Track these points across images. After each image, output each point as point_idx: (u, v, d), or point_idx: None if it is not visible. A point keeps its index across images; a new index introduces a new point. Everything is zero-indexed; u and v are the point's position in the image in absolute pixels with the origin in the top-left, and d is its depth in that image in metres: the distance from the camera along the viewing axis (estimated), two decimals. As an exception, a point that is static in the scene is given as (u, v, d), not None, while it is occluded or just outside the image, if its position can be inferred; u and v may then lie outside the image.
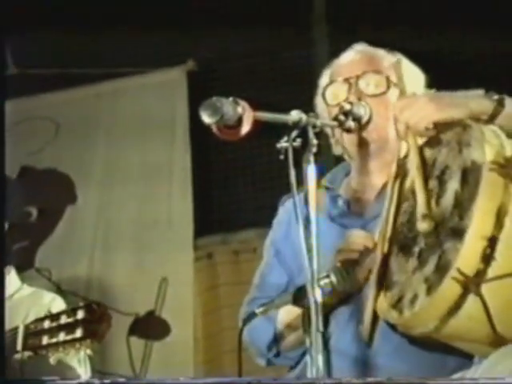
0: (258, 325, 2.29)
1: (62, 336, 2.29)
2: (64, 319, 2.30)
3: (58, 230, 5.06)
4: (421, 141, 2.10)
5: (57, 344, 2.29)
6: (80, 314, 2.27)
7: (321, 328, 1.88)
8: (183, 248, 4.87)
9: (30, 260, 4.96)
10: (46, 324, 2.33)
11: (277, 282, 2.35)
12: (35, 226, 5.07)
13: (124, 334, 4.80)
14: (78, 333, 2.26)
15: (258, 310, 2.12)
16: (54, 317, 2.32)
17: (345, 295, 2.14)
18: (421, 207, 1.98)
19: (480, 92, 2.09)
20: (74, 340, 2.27)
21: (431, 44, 4.57)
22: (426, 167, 2.07)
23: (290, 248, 2.32)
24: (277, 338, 2.32)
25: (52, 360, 2.35)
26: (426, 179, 2.04)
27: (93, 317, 2.26)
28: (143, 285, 4.84)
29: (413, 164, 2.07)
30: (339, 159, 2.47)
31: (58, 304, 2.86)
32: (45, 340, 2.31)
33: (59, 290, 4.58)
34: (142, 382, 3.31)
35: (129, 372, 4.73)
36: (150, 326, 4.81)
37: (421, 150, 2.09)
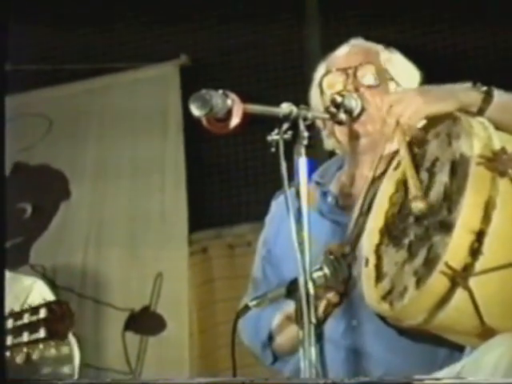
0: (255, 326, 2.31)
1: (25, 336, 2.24)
2: (27, 318, 2.25)
3: (52, 226, 5.06)
4: (408, 137, 2.10)
5: (20, 344, 2.26)
6: (42, 313, 2.22)
7: (313, 320, 1.88)
8: (178, 243, 4.87)
9: (24, 256, 4.96)
10: (10, 323, 2.29)
11: (267, 287, 2.32)
12: (29, 223, 5.07)
13: (119, 330, 4.81)
14: (42, 333, 2.22)
15: (251, 303, 2.12)
16: (17, 315, 2.27)
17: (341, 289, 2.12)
18: (413, 190, 1.98)
19: (467, 84, 2.09)
20: (38, 340, 2.23)
21: (424, 37, 4.57)
22: (415, 157, 2.07)
23: (280, 246, 2.32)
24: (271, 339, 2.31)
25: (18, 359, 2.31)
26: (416, 167, 2.04)
27: (54, 316, 2.22)
28: (138, 280, 4.84)
29: (402, 157, 2.07)
30: (333, 153, 2.47)
31: (39, 287, 2.83)
32: (9, 340, 2.27)
33: (54, 286, 4.57)
34: (130, 382, 3.30)
35: (124, 367, 4.74)
36: (145, 322, 4.81)
37: (409, 144, 2.09)
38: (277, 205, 2.43)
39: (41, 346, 2.23)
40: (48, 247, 5.01)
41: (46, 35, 5.09)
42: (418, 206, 1.96)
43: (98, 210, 5.03)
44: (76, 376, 2.72)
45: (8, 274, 2.91)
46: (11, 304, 2.38)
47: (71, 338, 2.61)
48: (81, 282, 4.89)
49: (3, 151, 2.20)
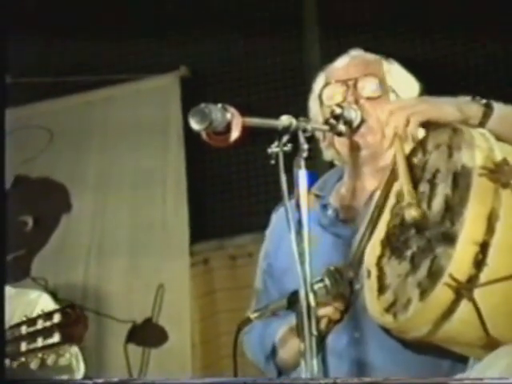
0: (261, 342, 2.31)
1: (40, 341, 2.24)
2: (41, 324, 2.26)
3: (54, 239, 5.06)
4: (407, 147, 2.11)
5: (35, 350, 2.27)
6: (56, 318, 2.23)
7: (314, 332, 1.88)
8: (179, 254, 4.87)
9: (25, 269, 4.96)
10: (24, 329, 2.30)
11: (268, 300, 2.30)
12: (31, 235, 5.07)
13: (121, 342, 4.81)
14: (56, 337, 2.22)
15: (252, 315, 2.11)
16: (30, 322, 2.29)
17: (344, 301, 2.12)
18: (406, 197, 2.00)
19: (467, 98, 2.10)
20: (53, 345, 2.25)
21: (423, 50, 4.58)
22: (412, 165, 2.08)
23: (281, 259, 2.31)
24: (275, 352, 2.31)
25: (33, 365, 2.33)
26: (413, 178, 2.05)
27: (68, 320, 2.24)
28: (140, 292, 4.84)
29: (398, 165, 2.08)
30: (333, 164, 2.47)
31: (44, 300, 2.83)
32: (23, 346, 2.28)
33: (56, 298, 4.57)
34: (135, 382, 3.30)
35: (127, 379, 4.73)
36: (147, 333, 4.81)
37: (412, 152, 2.10)
38: (277, 217, 2.42)
39: (56, 349, 2.24)
40: (49, 260, 5.01)
41: (47, 48, 5.11)
42: (411, 213, 1.97)
43: (99, 221, 5.03)
44: None
45: (13, 289, 2.93)
46: (18, 317, 2.39)
47: (74, 349, 2.62)
48: (82, 294, 4.89)
49: (3, 163, 2.20)
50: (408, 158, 2.10)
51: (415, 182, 2.05)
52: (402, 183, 2.03)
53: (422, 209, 1.96)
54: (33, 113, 5.22)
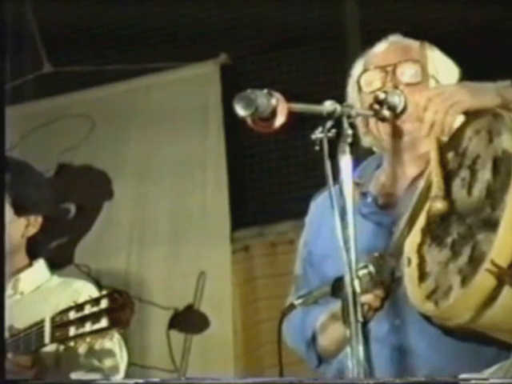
0: (300, 329, 2.30)
1: (88, 326, 2.29)
2: (88, 309, 2.31)
3: (96, 226, 5.10)
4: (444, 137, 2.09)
5: (83, 334, 2.31)
6: (103, 303, 2.28)
7: (360, 318, 1.88)
8: (220, 241, 4.88)
9: (69, 256, 5.01)
10: (72, 315, 2.34)
11: (308, 288, 2.30)
12: (73, 223, 5.12)
13: (164, 328, 4.84)
14: (104, 322, 2.27)
15: (296, 302, 2.12)
16: (78, 307, 2.34)
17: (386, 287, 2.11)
18: (434, 189, 1.99)
19: (506, 82, 2.08)
20: (101, 330, 2.29)
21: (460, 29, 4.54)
22: (447, 153, 2.07)
23: (321, 247, 2.31)
24: (315, 339, 2.30)
25: (81, 350, 2.38)
26: (442, 163, 2.05)
27: (116, 305, 2.27)
28: (181, 279, 4.86)
29: (431, 154, 2.07)
30: (372, 152, 2.46)
31: (88, 289, 2.87)
32: (72, 331, 2.33)
33: (99, 285, 4.62)
34: (177, 382, 3.32)
35: (169, 366, 4.77)
36: (189, 320, 4.83)
37: (450, 141, 2.09)
38: (316, 205, 2.41)
39: (104, 334, 2.29)
40: (92, 247, 5.05)
41: (89, 37, 5.15)
42: (436, 206, 1.96)
43: (140, 209, 5.06)
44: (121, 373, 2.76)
45: (58, 279, 2.97)
46: (63, 307, 2.43)
47: (115, 335, 2.65)
48: (124, 281, 4.92)
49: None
50: (446, 146, 2.09)
51: (450, 173, 2.04)
52: (433, 174, 2.03)
53: (448, 201, 1.95)
54: (74, 101, 5.26)
